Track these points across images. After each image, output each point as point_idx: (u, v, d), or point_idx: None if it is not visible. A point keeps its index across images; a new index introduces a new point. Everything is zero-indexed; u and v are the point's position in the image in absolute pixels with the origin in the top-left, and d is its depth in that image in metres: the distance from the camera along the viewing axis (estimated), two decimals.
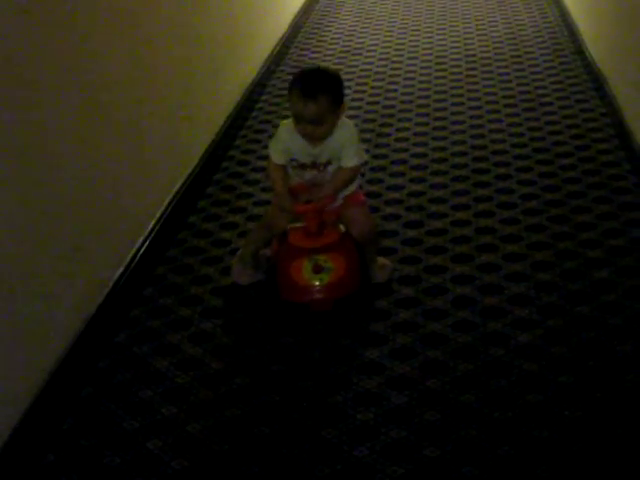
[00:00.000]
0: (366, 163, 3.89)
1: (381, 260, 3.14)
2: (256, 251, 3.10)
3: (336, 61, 5.62)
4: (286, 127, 2.91)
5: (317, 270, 2.86)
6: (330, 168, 2.91)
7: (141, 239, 3.22)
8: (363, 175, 3.90)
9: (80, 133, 2.76)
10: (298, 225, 2.96)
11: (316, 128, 2.76)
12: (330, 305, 2.93)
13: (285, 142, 2.88)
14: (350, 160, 2.88)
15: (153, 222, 3.34)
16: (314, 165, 2.90)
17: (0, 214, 2.28)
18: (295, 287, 2.91)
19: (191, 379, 2.69)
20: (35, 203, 2.46)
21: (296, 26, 6.28)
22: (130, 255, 3.12)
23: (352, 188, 3.01)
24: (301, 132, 2.80)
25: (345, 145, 2.85)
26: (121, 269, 3.03)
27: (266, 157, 3.16)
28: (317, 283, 2.88)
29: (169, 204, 3.50)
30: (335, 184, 2.90)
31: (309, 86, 2.72)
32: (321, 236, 2.92)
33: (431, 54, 5.65)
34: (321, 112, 2.72)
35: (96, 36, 2.91)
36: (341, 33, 6.28)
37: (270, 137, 3.04)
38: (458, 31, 6.11)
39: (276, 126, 3.01)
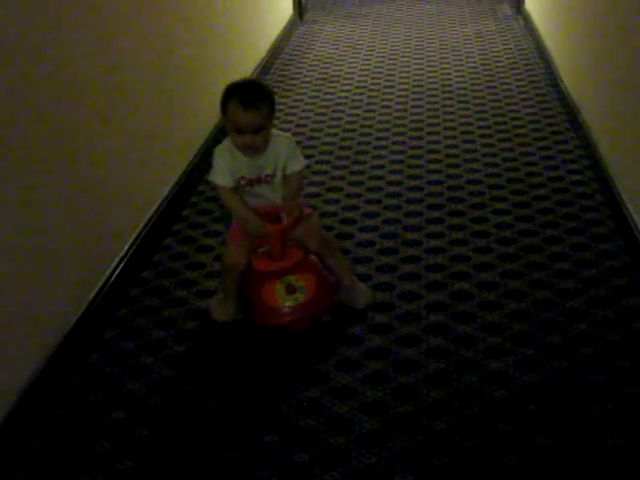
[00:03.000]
0: (308, 166, 3.93)
1: (361, 286, 3.16)
2: (239, 289, 3.06)
3: (313, 88, 5.65)
4: (223, 149, 2.93)
5: (291, 291, 2.88)
6: (276, 180, 2.96)
7: (116, 260, 3.22)
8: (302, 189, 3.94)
9: (64, 164, 2.78)
10: (260, 251, 2.99)
11: (256, 137, 2.81)
12: (309, 323, 2.94)
13: (228, 163, 2.90)
14: (297, 164, 2.98)
15: (129, 244, 3.34)
16: (260, 179, 2.93)
17: None
18: (272, 311, 2.91)
19: (164, 401, 2.69)
20: (16, 223, 2.48)
21: (274, 53, 6.31)
22: (105, 276, 3.12)
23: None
24: (241, 144, 2.84)
25: (289, 154, 2.94)
26: (95, 290, 3.03)
27: None
28: (293, 303, 2.89)
29: (144, 226, 3.50)
30: (292, 191, 2.99)
31: (248, 96, 2.79)
32: (285, 257, 2.94)
33: (408, 83, 5.70)
34: (261, 119, 2.79)
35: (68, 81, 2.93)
36: (319, 61, 6.32)
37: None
38: (435, 61, 6.16)
39: None
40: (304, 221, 3.01)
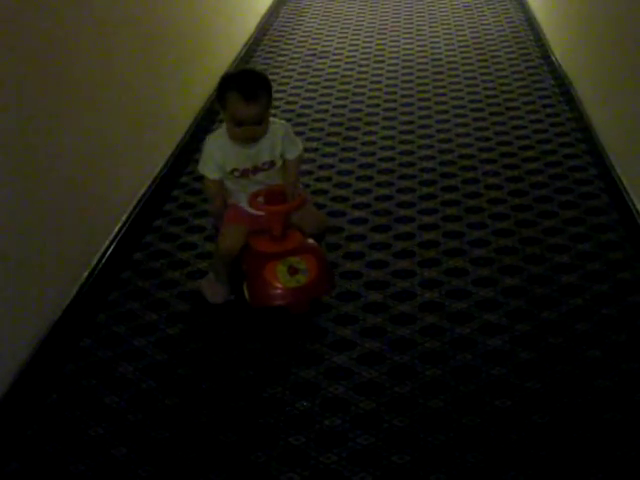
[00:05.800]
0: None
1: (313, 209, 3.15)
2: (230, 271, 3.03)
3: (302, 64, 5.61)
4: (214, 141, 2.90)
5: (293, 272, 2.84)
6: (276, 167, 2.94)
7: (107, 242, 3.19)
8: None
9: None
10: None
11: (257, 129, 2.78)
12: (308, 306, 2.91)
13: (217, 157, 2.86)
14: (296, 149, 2.96)
15: (119, 225, 3.31)
16: (256, 168, 2.89)
17: None
18: (273, 292, 2.86)
19: (158, 385, 2.66)
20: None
21: (263, 29, 6.26)
22: (96, 258, 3.09)
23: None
24: (241, 137, 2.80)
25: (286, 139, 2.91)
26: (87, 272, 3.00)
27: None
28: (295, 285, 2.85)
29: (135, 207, 3.47)
30: (293, 177, 2.97)
31: (248, 88, 2.73)
32: (286, 239, 2.91)
33: (398, 57, 5.66)
34: (262, 111, 2.76)
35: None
36: (308, 36, 6.27)
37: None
38: (424, 35, 6.12)
39: None
40: (303, 205, 2.98)
